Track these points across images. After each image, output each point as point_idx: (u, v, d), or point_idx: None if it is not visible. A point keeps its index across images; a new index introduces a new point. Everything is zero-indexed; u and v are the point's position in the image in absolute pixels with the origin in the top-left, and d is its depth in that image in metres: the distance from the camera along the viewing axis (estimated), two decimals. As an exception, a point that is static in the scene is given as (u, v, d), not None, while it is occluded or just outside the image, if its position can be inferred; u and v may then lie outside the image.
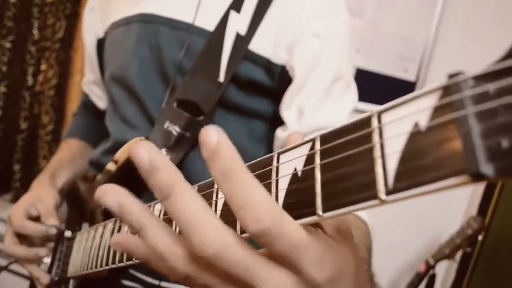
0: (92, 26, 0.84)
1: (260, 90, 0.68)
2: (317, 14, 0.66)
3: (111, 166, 0.68)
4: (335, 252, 0.26)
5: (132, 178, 0.68)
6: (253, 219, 0.23)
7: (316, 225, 0.29)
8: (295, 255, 0.24)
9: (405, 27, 1.49)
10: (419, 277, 1.44)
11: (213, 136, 0.23)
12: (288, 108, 0.66)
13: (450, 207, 1.59)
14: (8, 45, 1.73)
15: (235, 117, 0.68)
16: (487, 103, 0.17)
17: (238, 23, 0.64)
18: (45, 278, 0.71)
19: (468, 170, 0.17)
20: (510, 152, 0.16)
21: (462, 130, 0.17)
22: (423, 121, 0.19)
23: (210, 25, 0.66)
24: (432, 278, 1.45)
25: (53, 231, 0.71)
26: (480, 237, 1.45)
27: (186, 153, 0.64)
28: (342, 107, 0.68)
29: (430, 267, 1.42)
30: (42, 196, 0.75)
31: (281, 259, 0.25)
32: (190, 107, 0.63)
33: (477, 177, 0.17)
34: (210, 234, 0.24)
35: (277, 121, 0.69)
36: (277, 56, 0.66)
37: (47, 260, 0.75)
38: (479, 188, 1.53)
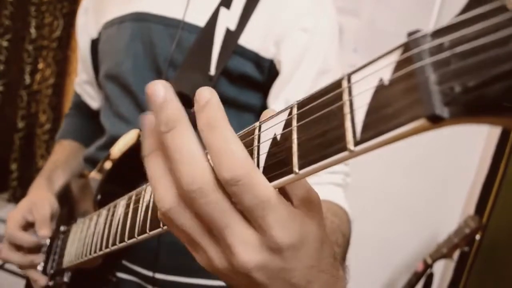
0: (86, 26, 0.85)
1: (251, 83, 0.69)
2: (306, 10, 0.68)
3: (107, 165, 0.69)
4: (301, 221, 0.27)
5: (127, 173, 0.69)
6: (227, 167, 0.25)
7: (286, 198, 0.29)
8: (262, 211, 0.25)
9: (402, 26, 1.48)
10: (417, 276, 1.44)
11: (204, 93, 0.27)
12: (276, 101, 0.68)
13: (447, 206, 1.58)
14: (5, 43, 1.73)
15: (227, 110, 0.67)
16: (442, 53, 0.19)
17: (228, 19, 0.66)
18: (42, 281, 0.73)
19: (426, 114, 0.18)
20: (462, 95, 0.17)
21: (420, 80, 0.19)
22: (387, 76, 0.21)
23: (201, 21, 0.68)
24: (430, 277, 1.44)
25: (44, 241, 0.73)
26: (477, 236, 1.44)
27: None
28: None
29: (427, 266, 1.41)
30: (39, 202, 0.76)
31: (248, 214, 0.26)
32: (182, 100, 0.63)
33: (434, 119, 0.18)
34: (197, 170, 0.26)
35: None
36: (265, 51, 0.67)
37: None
38: (477, 187, 1.52)
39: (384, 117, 0.21)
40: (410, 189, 1.57)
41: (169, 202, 0.28)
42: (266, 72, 0.68)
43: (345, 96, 0.24)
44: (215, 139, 0.26)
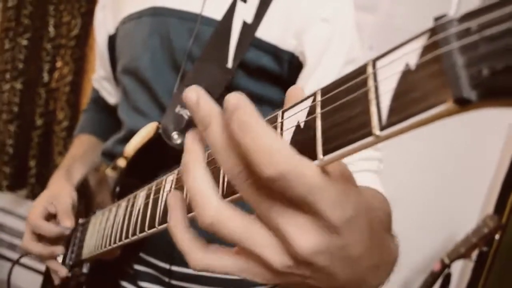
0: (104, 23, 0.86)
1: (269, 77, 0.69)
2: (324, 0, 0.67)
3: (121, 162, 0.71)
4: (349, 194, 0.26)
5: (145, 165, 0.70)
6: (269, 164, 0.24)
7: None
8: (314, 197, 0.24)
9: (420, 23, 1.45)
10: (434, 276, 1.42)
11: (234, 97, 0.26)
12: None
13: (466, 205, 1.56)
14: (24, 42, 1.76)
15: None
16: (469, 37, 0.19)
17: (245, 12, 0.66)
18: (62, 271, 0.74)
19: (453, 97, 0.19)
20: (490, 78, 0.18)
21: (447, 64, 0.19)
22: (413, 61, 0.21)
23: (218, 15, 0.68)
24: (448, 278, 1.42)
25: (67, 232, 0.73)
26: (497, 236, 1.41)
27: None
28: None
29: (445, 266, 1.39)
30: (60, 193, 0.77)
31: (299, 202, 0.25)
32: None
33: (461, 102, 0.18)
34: (234, 168, 0.26)
35: None
36: (285, 43, 0.67)
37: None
38: (496, 186, 1.50)
39: (410, 101, 0.21)
40: (428, 187, 1.55)
41: (214, 209, 0.27)
42: (286, 65, 0.68)
43: (370, 82, 0.23)
44: (250, 139, 0.25)
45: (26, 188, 1.91)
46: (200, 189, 0.28)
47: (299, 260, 0.26)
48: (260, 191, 0.26)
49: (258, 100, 0.70)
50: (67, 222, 0.73)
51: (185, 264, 0.71)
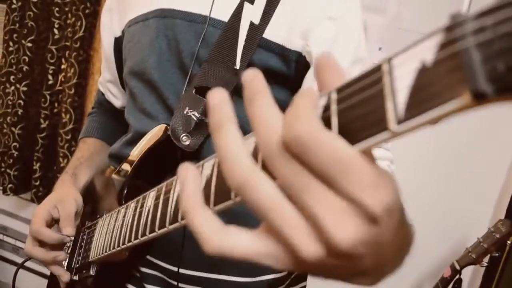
0: (110, 25, 0.86)
1: (276, 77, 0.68)
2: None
3: (126, 167, 0.71)
4: (386, 176, 0.24)
5: (153, 168, 0.69)
6: (295, 123, 0.24)
7: None
8: (347, 175, 0.23)
9: (429, 24, 1.45)
10: (444, 282, 1.39)
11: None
12: None
13: (477, 210, 1.53)
14: (28, 44, 1.75)
15: None
16: (485, 34, 0.19)
17: (252, 13, 0.67)
18: (65, 277, 0.74)
19: (470, 91, 0.19)
20: (505, 74, 0.18)
21: (464, 60, 0.20)
22: (429, 58, 0.22)
23: (225, 17, 0.68)
24: (459, 283, 1.39)
25: (67, 239, 0.74)
26: (508, 242, 1.39)
27: (205, 138, 0.66)
28: None
29: (456, 272, 1.37)
30: (65, 199, 0.77)
31: (333, 182, 0.23)
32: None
33: (478, 96, 0.19)
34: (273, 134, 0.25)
35: None
36: (291, 43, 0.67)
37: (68, 250, 0.78)
38: (508, 190, 1.47)
39: (427, 96, 0.21)
40: (438, 191, 1.53)
41: (245, 168, 0.25)
42: (293, 65, 0.68)
43: (386, 79, 0.24)
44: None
45: (30, 191, 1.90)
46: (233, 147, 0.25)
47: (335, 251, 0.24)
48: (293, 162, 0.24)
49: None
50: (68, 230, 0.74)
51: (193, 267, 0.71)
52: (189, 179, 0.28)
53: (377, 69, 0.25)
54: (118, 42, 0.84)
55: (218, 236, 0.25)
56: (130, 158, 0.71)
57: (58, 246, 0.75)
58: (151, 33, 0.73)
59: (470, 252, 1.35)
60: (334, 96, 0.27)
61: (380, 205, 0.23)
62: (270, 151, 0.24)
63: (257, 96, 0.26)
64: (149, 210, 0.47)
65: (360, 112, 0.25)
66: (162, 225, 0.42)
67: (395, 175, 0.64)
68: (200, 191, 0.28)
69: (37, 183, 1.85)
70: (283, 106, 0.76)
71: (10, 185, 1.88)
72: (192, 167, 0.29)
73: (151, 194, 0.49)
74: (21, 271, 0.84)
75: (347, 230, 0.23)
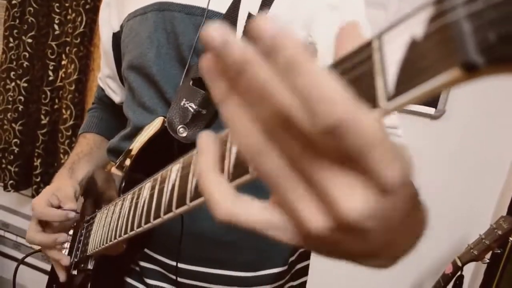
0: (108, 20, 0.86)
1: None
2: None
3: (127, 162, 0.71)
4: (400, 151, 0.23)
5: (151, 161, 0.69)
6: (326, 111, 0.20)
7: None
8: (371, 152, 0.21)
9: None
10: (445, 279, 1.38)
11: (270, 25, 0.21)
12: None
13: (478, 207, 1.52)
14: (29, 40, 1.75)
15: None
16: (476, 3, 0.19)
17: (250, 4, 0.66)
18: (65, 260, 0.74)
19: (460, 62, 0.19)
20: (496, 44, 0.18)
21: (454, 31, 0.19)
22: (420, 32, 0.21)
23: (223, 9, 0.67)
24: (460, 280, 1.38)
25: (72, 214, 0.73)
26: (511, 238, 1.37)
27: (203, 130, 0.65)
28: None
29: (457, 268, 1.36)
30: (62, 186, 0.78)
31: (351, 159, 0.21)
32: (206, 86, 0.63)
33: (469, 68, 0.19)
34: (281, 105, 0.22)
35: None
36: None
37: (67, 245, 0.79)
38: (510, 187, 1.46)
39: (417, 71, 0.21)
40: (440, 188, 1.52)
41: (253, 141, 0.24)
42: None
43: (376, 56, 0.23)
44: (303, 82, 0.21)
45: (31, 187, 1.90)
46: (244, 121, 0.24)
47: (343, 224, 0.23)
48: (303, 143, 0.22)
49: None
50: (71, 205, 0.73)
51: (192, 261, 0.71)
52: (208, 145, 0.28)
53: (367, 45, 0.24)
54: (117, 37, 0.83)
55: (228, 202, 0.25)
56: (131, 153, 0.71)
57: (60, 229, 0.75)
58: (149, 27, 0.72)
59: (472, 248, 1.34)
60: None
61: (392, 177, 0.22)
62: (288, 138, 0.23)
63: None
64: (144, 201, 0.47)
65: (351, 91, 0.23)
66: (157, 215, 0.42)
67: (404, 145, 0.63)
68: (217, 158, 0.27)
69: (38, 180, 1.85)
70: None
71: (11, 181, 1.88)
72: (211, 136, 0.28)
73: (147, 185, 0.48)
74: (22, 267, 0.84)
75: (358, 200, 0.22)
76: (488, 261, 1.37)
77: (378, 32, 0.24)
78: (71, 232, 0.79)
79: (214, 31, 0.23)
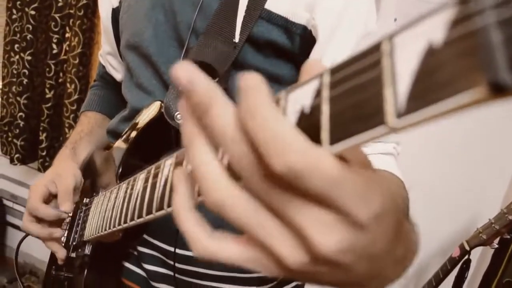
0: None
1: (279, 52, 0.64)
2: None
3: (132, 134, 0.69)
4: (375, 186, 0.23)
5: (148, 146, 0.67)
6: (279, 156, 0.21)
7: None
8: (335, 193, 0.21)
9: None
10: (452, 262, 1.37)
11: (248, 76, 0.23)
12: None
13: (489, 190, 1.50)
14: (32, 12, 1.71)
15: None
16: (509, 8, 0.15)
17: None
18: (60, 253, 0.73)
19: (487, 81, 0.16)
20: None
21: (481, 41, 0.16)
22: (438, 37, 0.18)
23: None
24: (467, 264, 1.37)
25: (64, 216, 0.73)
26: (521, 223, 1.35)
27: None
28: None
29: (465, 252, 1.34)
30: (63, 174, 0.76)
31: (318, 197, 0.22)
32: (205, 69, 0.61)
33: (497, 88, 0.15)
34: (244, 156, 0.23)
35: None
36: (296, 15, 0.62)
37: (66, 226, 0.77)
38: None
39: (433, 85, 0.18)
40: (450, 170, 1.49)
41: (221, 190, 0.24)
42: (298, 40, 0.63)
43: (386, 61, 0.20)
44: (259, 126, 0.22)
45: (37, 160, 1.90)
46: (207, 165, 0.25)
47: (319, 259, 0.23)
48: (272, 184, 0.23)
49: (267, 78, 0.65)
50: (65, 206, 0.72)
51: (190, 247, 0.69)
52: (181, 181, 0.28)
53: (376, 48, 0.21)
54: (116, 13, 0.80)
55: (204, 242, 0.26)
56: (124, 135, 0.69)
57: (56, 222, 0.74)
58: (146, 4, 0.69)
59: (481, 233, 1.32)
60: (326, 79, 0.23)
61: (367, 214, 0.22)
62: (253, 177, 0.23)
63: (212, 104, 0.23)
64: (138, 194, 0.46)
65: (354, 100, 0.21)
66: (149, 211, 0.41)
67: (398, 156, 0.60)
68: (190, 195, 0.28)
69: (44, 153, 1.85)
70: (285, 81, 0.72)
71: (17, 155, 1.88)
72: (184, 173, 0.28)
73: (141, 177, 0.47)
74: (30, 237, 0.84)
75: (331, 237, 0.22)
76: (496, 246, 1.35)
77: (389, 33, 0.20)
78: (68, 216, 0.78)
79: (181, 70, 0.23)
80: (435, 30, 0.18)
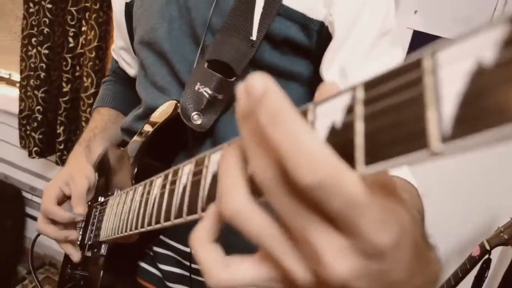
0: None
1: (297, 49, 0.63)
2: None
3: (147, 128, 0.68)
4: (396, 214, 0.23)
5: (162, 147, 0.66)
6: (307, 169, 0.20)
7: None
8: (354, 214, 0.21)
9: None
10: (472, 261, 1.34)
11: (256, 82, 0.22)
12: (329, 68, 0.61)
13: (509, 189, 1.45)
14: (48, 5, 1.71)
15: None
16: None
17: None
18: (75, 256, 0.74)
19: None
20: None
21: None
22: (489, 57, 0.16)
23: None
24: (487, 264, 1.34)
25: (79, 218, 0.72)
26: (545, 224, 1.31)
27: (219, 117, 0.62)
28: (388, 66, 0.60)
29: (485, 251, 1.31)
30: (77, 175, 0.75)
31: (336, 218, 0.21)
32: (222, 68, 0.60)
33: None
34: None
35: (318, 84, 0.63)
36: (314, 11, 0.61)
37: (81, 225, 0.78)
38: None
39: (482, 110, 0.16)
40: (471, 166, 1.45)
41: (239, 200, 0.25)
42: (315, 36, 0.62)
43: (428, 79, 0.18)
44: (284, 137, 0.21)
45: (55, 154, 1.92)
46: (230, 174, 0.26)
47: (331, 283, 0.23)
48: (293, 198, 0.22)
49: (283, 75, 0.65)
50: (79, 209, 0.71)
51: None
52: (208, 217, 0.29)
53: (417, 64, 0.19)
54: (130, 7, 0.79)
55: (217, 270, 0.26)
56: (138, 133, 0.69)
57: (70, 224, 0.74)
58: (161, 0, 0.68)
59: (502, 232, 1.28)
60: (360, 95, 0.22)
61: (385, 242, 0.21)
62: (275, 190, 0.23)
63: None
64: (155, 199, 0.45)
65: (392, 119, 0.20)
66: (167, 218, 0.41)
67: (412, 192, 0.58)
68: (212, 230, 0.28)
69: (61, 147, 1.86)
70: (302, 79, 0.71)
71: (35, 148, 1.90)
72: (213, 209, 0.28)
73: (158, 182, 0.46)
74: None
75: (345, 263, 0.22)
76: (517, 246, 1.32)
77: (431, 48, 0.19)
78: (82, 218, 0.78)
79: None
80: (484, 49, 0.17)
